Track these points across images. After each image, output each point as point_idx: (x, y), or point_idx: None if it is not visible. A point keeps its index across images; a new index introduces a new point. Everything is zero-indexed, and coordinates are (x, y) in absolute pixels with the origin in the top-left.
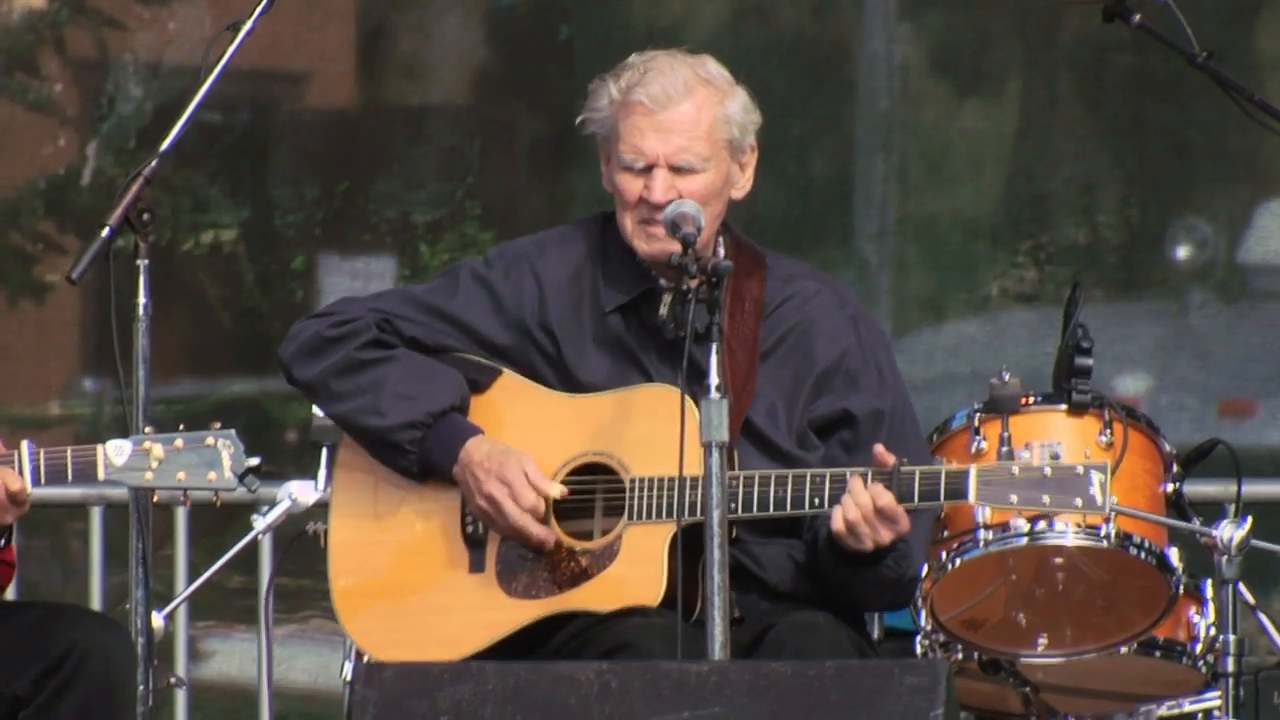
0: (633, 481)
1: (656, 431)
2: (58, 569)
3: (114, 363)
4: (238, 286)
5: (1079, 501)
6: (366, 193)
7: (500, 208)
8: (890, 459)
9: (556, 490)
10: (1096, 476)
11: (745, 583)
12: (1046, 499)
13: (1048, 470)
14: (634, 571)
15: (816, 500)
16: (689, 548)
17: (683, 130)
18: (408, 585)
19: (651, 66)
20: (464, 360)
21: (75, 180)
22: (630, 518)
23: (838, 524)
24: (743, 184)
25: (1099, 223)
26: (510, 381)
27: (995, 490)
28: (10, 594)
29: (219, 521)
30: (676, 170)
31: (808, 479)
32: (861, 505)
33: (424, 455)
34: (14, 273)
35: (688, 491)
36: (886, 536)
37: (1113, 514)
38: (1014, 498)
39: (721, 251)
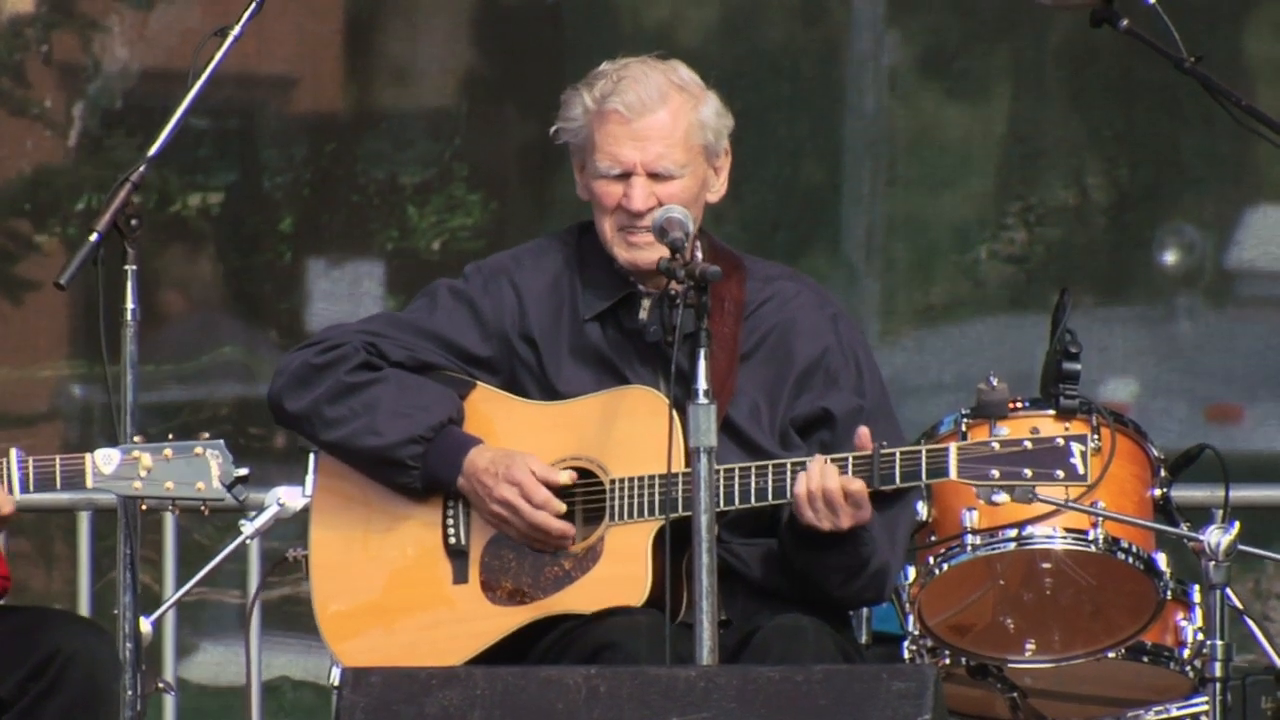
0: (613, 482)
1: (636, 432)
2: (45, 573)
3: (102, 364)
4: (225, 248)
5: (1060, 473)
6: (354, 153)
7: (488, 169)
8: (870, 443)
9: (565, 476)
10: (1077, 447)
11: (731, 582)
12: (1028, 472)
13: (1028, 443)
14: (618, 571)
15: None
16: (672, 545)
17: (660, 137)
18: (392, 603)
19: (625, 74)
20: (441, 376)
21: (59, 175)
22: (612, 518)
23: (799, 487)
24: (718, 187)
25: (1087, 226)
26: (486, 393)
27: (976, 466)
28: None
29: (207, 526)
30: (654, 177)
31: (788, 467)
32: (810, 480)
33: (427, 470)
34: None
35: (670, 489)
36: (845, 521)
37: (1101, 519)
38: (995, 473)
39: (700, 255)
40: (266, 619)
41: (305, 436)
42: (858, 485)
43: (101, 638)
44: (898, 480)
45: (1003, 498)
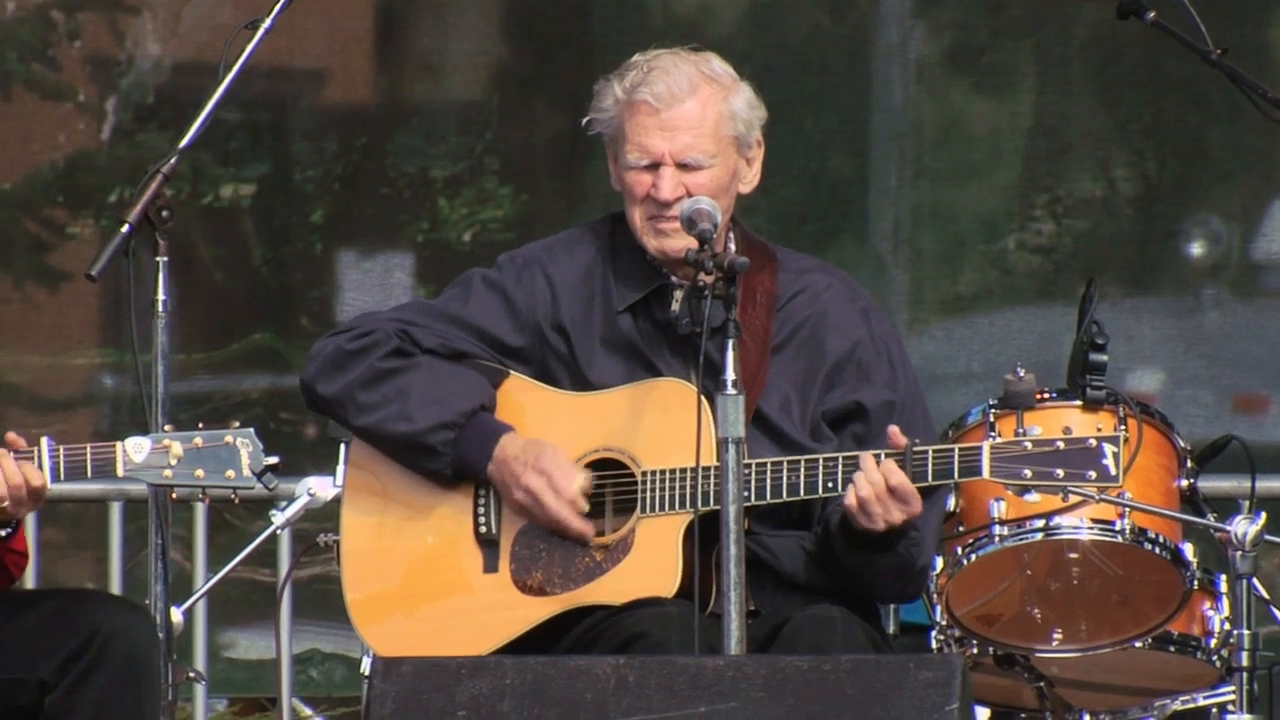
0: (644, 474)
1: (668, 425)
2: (78, 563)
3: (133, 353)
4: (256, 241)
5: (1093, 474)
6: (385, 147)
7: (519, 162)
8: (903, 439)
9: (583, 479)
10: (1109, 448)
11: (760, 574)
12: (1060, 473)
13: (1060, 444)
14: (648, 563)
15: (829, 484)
16: (702, 538)
17: (688, 127)
18: (422, 591)
19: (655, 65)
20: (474, 364)
21: (93, 165)
22: (643, 510)
23: (850, 500)
24: (750, 179)
25: (1114, 217)
26: (519, 383)
27: (1009, 466)
28: (30, 583)
29: (238, 515)
30: (683, 167)
31: (820, 463)
32: (874, 483)
33: (457, 456)
34: (29, 260)
35: (700, 482)
36: (898, 516)
37: (1128, 509)
38: (1028, 473)
39: (733, 247)
40: (296, 598)
41: (337, 421)
42: (899, 478)
43: (140, 615)
44: (930, 478)
45: (1035, 497)
